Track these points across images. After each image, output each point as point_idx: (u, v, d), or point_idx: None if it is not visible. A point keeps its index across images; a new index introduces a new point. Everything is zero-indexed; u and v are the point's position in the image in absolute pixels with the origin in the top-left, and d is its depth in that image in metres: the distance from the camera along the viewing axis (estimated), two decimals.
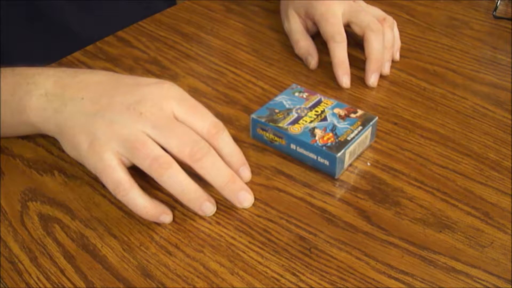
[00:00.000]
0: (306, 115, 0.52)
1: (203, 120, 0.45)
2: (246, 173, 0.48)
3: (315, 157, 0.49)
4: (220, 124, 0.46)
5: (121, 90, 0.46)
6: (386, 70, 0.62)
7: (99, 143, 0.43)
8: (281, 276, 0.41)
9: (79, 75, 0.48)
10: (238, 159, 0.47)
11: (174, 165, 0.43)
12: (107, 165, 0.43)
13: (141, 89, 0.46)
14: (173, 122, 0.44)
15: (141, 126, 0.43)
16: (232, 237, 0.44)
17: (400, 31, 0.66)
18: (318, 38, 0.64)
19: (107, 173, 0.43)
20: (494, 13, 0.74)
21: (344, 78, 0.60)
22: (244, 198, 0.46)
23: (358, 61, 0.63)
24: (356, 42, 0.64)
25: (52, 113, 0.46)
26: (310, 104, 0.53)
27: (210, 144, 0.45)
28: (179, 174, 0.43)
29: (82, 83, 0.47)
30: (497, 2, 0.74)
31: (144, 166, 0.43)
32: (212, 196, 0.46)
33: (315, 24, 0.64)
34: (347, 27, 0.62)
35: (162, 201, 0.45)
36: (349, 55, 0.61)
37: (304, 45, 0.64)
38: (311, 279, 0.41)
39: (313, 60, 0.63)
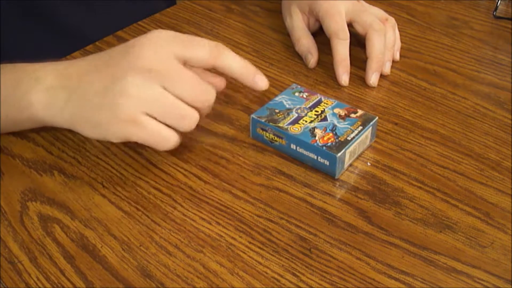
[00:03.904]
0: (306, 115, 0.51)
1: (202, 47, 0.46)
2: (262, 79, 0.49)
3: (315, 157, 0.49)
4: (219, 44, 0.47)
5: (117, 58, 0.46)
6: (387, 70, 0.62)
7: (124, 112, 0.43)
8: (281, 276, 0.41)
9: (75, 64, 0.48)
10: (249, 69, 0.49)
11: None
12: (145, 123, 0.44)
13: (135, 49, 0.46)
14: (182, 69, 0.45)
15: (159, 82, 0.44)
16: (232, 237, 0.44)
17: (400, 31, 0.66)
18: (319, 37, 0.64)
19: (154, 130, 0.44)
20: (494, 13, 0.74)
21: (344, 76, 0.60)
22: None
23: (358, 60, 0.62)
24: (357, 42, 0.64)
25: (63, 104, 0.46)
26: (310, 104, 0.53)
27: (217, 66, 0.47)
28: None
29: (81, 69, 0.47)
30: (497, 2, 0.74)
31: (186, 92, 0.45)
32: (213, 196, 0.46)
33: (317, 21, 0.64)
34: (349, 27, 0.62)
35: (165, 195, 0.45)
36: (350, 54, 0.60)
37: (305, 42, 0.64)
38: (311, 279, 0.41)
39: (312, 59, 0.63)
